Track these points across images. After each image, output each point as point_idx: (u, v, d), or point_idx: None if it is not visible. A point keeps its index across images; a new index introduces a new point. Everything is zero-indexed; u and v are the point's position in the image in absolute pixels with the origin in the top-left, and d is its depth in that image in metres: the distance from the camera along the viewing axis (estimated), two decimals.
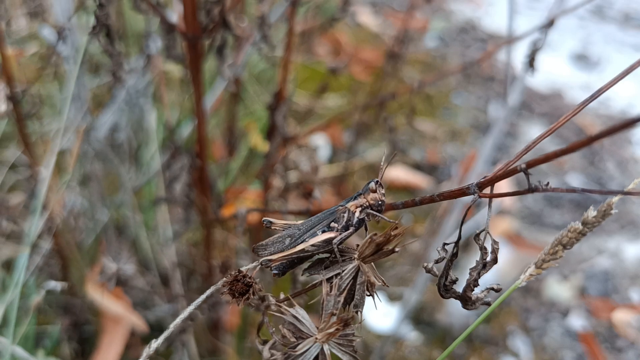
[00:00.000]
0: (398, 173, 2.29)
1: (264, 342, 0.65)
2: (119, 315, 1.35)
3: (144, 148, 1.65)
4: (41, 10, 1.62)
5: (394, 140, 1.43)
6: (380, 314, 1.78)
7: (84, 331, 1.48)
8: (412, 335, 1.77)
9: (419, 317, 1.82)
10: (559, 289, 1.97)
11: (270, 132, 1.30)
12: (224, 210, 1.35)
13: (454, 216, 1.43)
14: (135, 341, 1.43)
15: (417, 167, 2.40)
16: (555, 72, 3.08)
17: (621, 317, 1.85)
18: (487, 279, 0.57)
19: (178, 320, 0.62)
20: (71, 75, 1.30)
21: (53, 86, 1.84)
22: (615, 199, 0.45)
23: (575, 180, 2.40)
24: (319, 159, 2.23)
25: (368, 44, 3.08)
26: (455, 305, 1.81)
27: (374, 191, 0.54)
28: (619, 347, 1.80)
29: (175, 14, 1.27)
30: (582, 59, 3.25)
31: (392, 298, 1.86)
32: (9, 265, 1.50)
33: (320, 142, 2.39)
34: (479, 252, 0.54)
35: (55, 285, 0.97)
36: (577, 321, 1.87)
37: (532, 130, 2.68)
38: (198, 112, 1.10)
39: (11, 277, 1.14)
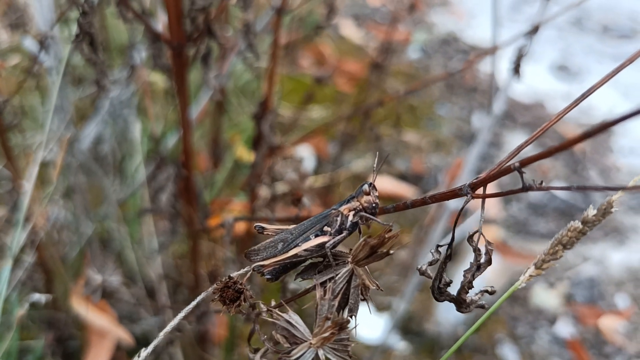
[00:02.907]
0: (383, 183, 2.29)
1: (255, 351, 0.64)
2: (105, 328, 1.33)
3: (128, 160, 1.64)
4: (22, 21, 1.60)
5: (381, 148, 1.43)
6: (368, 324, 1.77)
7: (68, 346, 1.45)
8: (400, 345, 1.77)
9: (407, 327, 1.81)
10: (545, 297, 1.97)
11: (256, 142, 1.29)
12: (210, 221, 1.33)
13: (441, 225, 1.43)
14: (120, 355, 1.41)
15: (402, 177, 2.40)
16: (536, 83, 3.11)
17: (608, 323, 1.86)
18: (474, 286, 0.57)
19: (168, 328, 0.61)
20: (54, 87, 1.29)
21: (34, 98, 1.82)
22: (616, 196, 0.44)
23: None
24: (305, 170, 2.22)
25: (351, 56, 3.09)
26: (443, 314, 1.80)
27: (368, 194, 0.53)
28: (606, 353, 1.81)
29: (160, 23, 1.26)
30: (563, 70, 3.28)
31: (380, 308, 1.85)
32: None
33: (305, 153, 2.39)
34: (472, 255, 0.54)
35: (40, 297, 0.96)
36: (565, 328, 1.88)
37: (515, 140, 2.70)
38: (184, 122, 1.10)
39: None
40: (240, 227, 1.48)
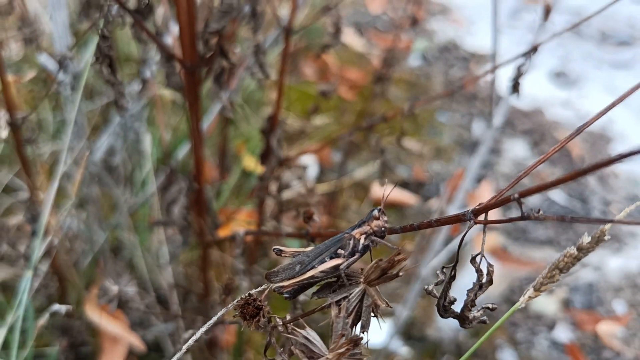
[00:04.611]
0: (386, 191, 2.33)
1: None
2: (118, 335, 1.37)
3: (138, 170, 1.68)
4: (35, 36, 1.65)
5: (386, 161, 1.47)
6: (372, 330, 1.81)
7: (81, 352, 1.50)
8: (403, 350, 1.81)
9: (409, 332, 1.86)
10: (544, 303, 2.02)
11: (264, 156, 1.33)
12: (219, 231, 1.38)
13: (443, 233, 1.48)
14: None
15: (404, 184, 2.45)
16: (535, 90, 3.15)
17: (606, 328, 1.90)
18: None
19: (191, 342, 0.65)
20: (69, 101, 1.33)
21: (45, 110, 1.86)
22: (608, 226, 0.49)
23: (557, 196, 2.46)
24: (309, 179, 2.27)
25: (353, 64, 3.14)
26: (444, 320, 1.85)
27: (377, 218, 0.58)
28: (604, 358, 1.85)
29: (170, 37, 1.30)
30: (562, 77, 3.33)
31: (383, 314, 1.89)
32: (2, 288, 1.52)
33: (309, 161, 2.43)
34: (471, 274, 0.59)
35: (60, 308, 1.00)
36: (563, 334, 1.92)
37: (515, 147, 2.75)
38: (195, 137, 1.14)
39: (8, 300, 1.16)
40: (248, 237, 1.52)
